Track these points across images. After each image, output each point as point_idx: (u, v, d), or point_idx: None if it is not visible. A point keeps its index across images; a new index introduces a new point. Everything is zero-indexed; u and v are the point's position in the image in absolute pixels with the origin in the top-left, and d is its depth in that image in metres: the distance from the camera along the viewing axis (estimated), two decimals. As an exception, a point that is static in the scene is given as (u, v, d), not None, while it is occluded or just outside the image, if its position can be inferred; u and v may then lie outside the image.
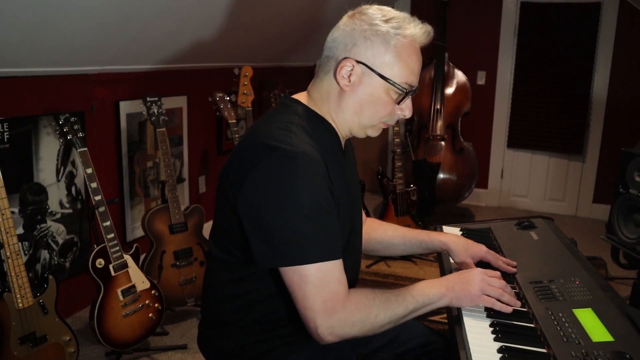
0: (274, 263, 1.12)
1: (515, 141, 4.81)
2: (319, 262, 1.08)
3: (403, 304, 1.17)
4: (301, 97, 1.28)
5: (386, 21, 1.17)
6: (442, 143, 4.29)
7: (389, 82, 1.17)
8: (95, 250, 2.18)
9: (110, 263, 2.22)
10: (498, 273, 1.29)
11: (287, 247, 1.08)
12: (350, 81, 1.19)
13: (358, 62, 1.17)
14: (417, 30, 1.18)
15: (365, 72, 1.18)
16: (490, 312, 1.23)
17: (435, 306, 1.21)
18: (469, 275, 1.25)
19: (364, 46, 1.17)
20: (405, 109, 1.23)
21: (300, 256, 1.08)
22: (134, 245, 2.36)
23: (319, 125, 1.23)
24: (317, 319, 1.08)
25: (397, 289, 1.20)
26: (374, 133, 1.27)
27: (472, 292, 1.21)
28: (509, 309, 1.21)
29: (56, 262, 2.60)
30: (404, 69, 1.17)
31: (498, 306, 1.21)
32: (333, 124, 1.25)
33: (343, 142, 1.30)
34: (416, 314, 1.20)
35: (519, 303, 1.25)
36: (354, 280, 1.38)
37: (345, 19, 1.22)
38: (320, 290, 1.09)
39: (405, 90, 1.19)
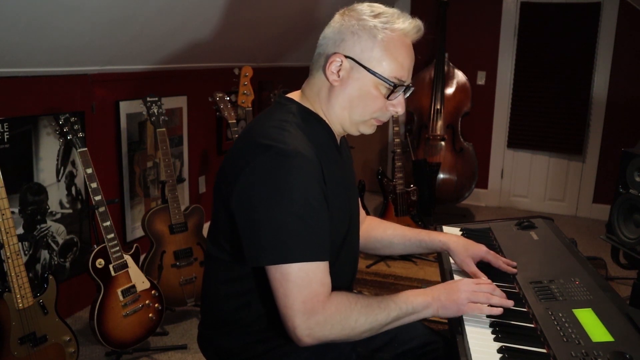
0: (259, 261, 1.11)
1: (515, 141, 4.81)
2: (303, 261, 1.08)
3: (385, 310, 1.15)
4: (295, 95, 1.28)
5: (374, 16, 1.17)
6: (442, 143, 4.29)
7: (377, 76, 1.17)
8: (95, 251, 2.18)
9: (110, 263, 2.22)
10: (486, 279, 1.29)
11: (272, 245, 1.08)
12: (339, 76, 1.19)
13: (346, 57, 1.18)
14: (407, 25, 1.18)
15: (353, 66, 1.18)
16: (490, 312, 1.23)
17: (420, 316, 1.20)
18: (455, 285, 1.23)
19: (352, 41, 1.17)
20: (397, 105, 1.22)
21: (284, 254, 1.08)
22: (134, 246, 2.36)
23: (314, 123, 1.23)
24: (295, 319, 1.07)
25: (381, 296, 1.19)
26: (366, 130, 1.26)
27: (458, 301, 1.20)
28: (499, 311, 1.20)
29: (56, 262, 2.60)
30: (392, 63, 1.17)
31: (487, 310, 1.20)
32: (327, 121, 1.25)
33: (338, 139, 1.30)
34: (399, 322, 1.18)
35: (511, 303, 1.22)
36: (351, 279, 1.38)
37: (336, 16, 1.23)
38: (301, 290, 1.07)
39: (394, 84, 1.18)
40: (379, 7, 1.20)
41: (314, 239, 1.10)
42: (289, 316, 1.08)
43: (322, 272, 1.11)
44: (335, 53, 1.18)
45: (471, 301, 1.20)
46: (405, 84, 1.21)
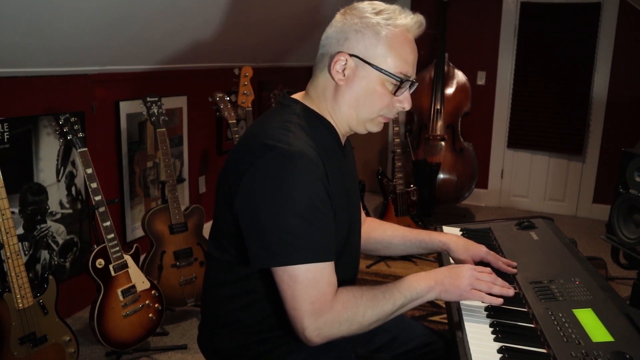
0: (265, 262, 1.11)
1: (515, 141, 4.81)
2: (309, 263, 1.08)
3: (390, 300, 1.17)
4: (299, 96, 1.28)
5: (376, 13, 1.18)
6: (442, 143, 4.29)
7: (383, 73, 1.17)
8: (95, 251, 2.18)
9: (111, 263, 2.22)
10: (488, 269, 1.30)
11: (278, 246, 1.08)
12: (344, 75, 1.19)
13: (351, 55, 1.18)
14: (409, 21, 1.18)
15: (359, 65, 1.18)
16: (490, 312, 1.23)
17: (424, 299, 1.22)
18: (458, 270, 1.24)
19: (356, 39, 1.17)
20: (404, 101, 1.22)
21: (291, 256, 1.08)
22: (134, 246, 2.36)
23: (318, 124, 1.23)
24: (304, 320, 1.08)
25: (384, 285, 1.20)
26: (374, 128, 1.26)
27: (461, 286, 1.21)
28: (499, 301, 1.21)
29: (56, 262, 2.60)
30: (397, 59, 1.17)
31: (488, 299, 1.21)
32: (332, 122, 1.25)
33: (343, 140, 1.30)
34: (405, 308, 1.20)
35: (512, 291, 1.23)
36: (352, 280, 1.38)
37: (337, 16, 1.23)
38: (309, 291, 1.08)
39: (400, 80, 1.18)
40: (380, 5, 1.20)
41: (319, 240, 1.10)
42: (297, 318, 1.09)
43: (329, 272, 1.11)
44: (339, 52, 1.18)
45: (473, 288, 1.21)
46: (411, 79, 1.21)
